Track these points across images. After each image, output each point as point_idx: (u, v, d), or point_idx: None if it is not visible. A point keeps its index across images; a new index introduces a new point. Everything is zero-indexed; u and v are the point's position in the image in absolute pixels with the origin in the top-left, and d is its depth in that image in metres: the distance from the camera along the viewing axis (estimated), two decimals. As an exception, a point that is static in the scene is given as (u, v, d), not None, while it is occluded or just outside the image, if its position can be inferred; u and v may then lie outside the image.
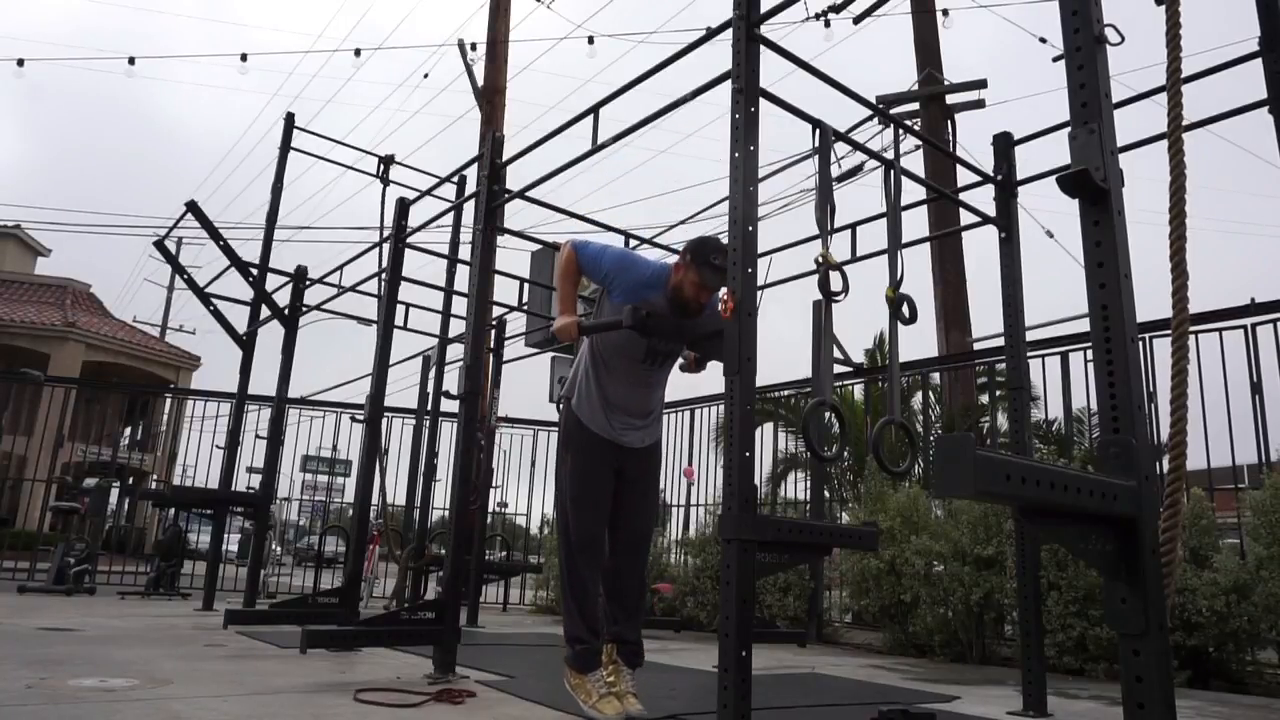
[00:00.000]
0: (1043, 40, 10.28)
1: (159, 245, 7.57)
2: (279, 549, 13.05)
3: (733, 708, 2.13)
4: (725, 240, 2.54)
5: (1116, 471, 1.62)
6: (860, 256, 4.20)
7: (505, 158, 4.05)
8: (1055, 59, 2.19)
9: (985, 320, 10.90)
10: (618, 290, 2.93)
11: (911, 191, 20.11)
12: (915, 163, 10.22)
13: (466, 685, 3.21)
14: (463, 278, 6.18)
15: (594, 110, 3.57)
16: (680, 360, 3.11)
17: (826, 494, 6.93)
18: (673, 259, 2.97)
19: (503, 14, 11.30)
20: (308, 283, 6.86)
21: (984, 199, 3.83)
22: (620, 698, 2.76)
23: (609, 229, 4.80)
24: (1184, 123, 1.91)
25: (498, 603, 8.92)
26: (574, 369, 3.13)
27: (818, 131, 2.94)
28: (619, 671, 2.87)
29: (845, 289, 2.71)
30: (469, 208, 4.99)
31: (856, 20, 10.30)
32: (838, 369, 3.21)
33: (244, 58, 13.20)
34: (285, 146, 7.36)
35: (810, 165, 10.02)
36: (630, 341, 2.92)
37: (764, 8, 2.67)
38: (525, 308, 6.60)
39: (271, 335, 7.07)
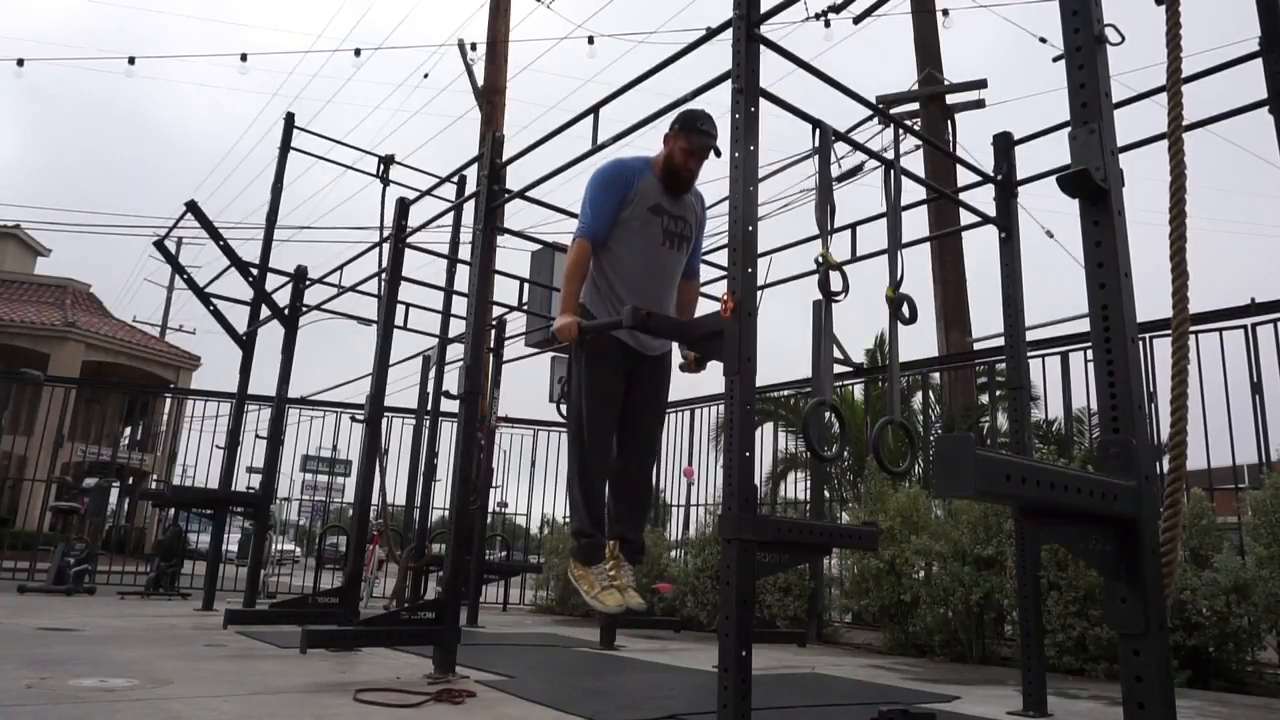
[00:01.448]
0: (1043, 40, 10.27)
1: (159, 245, 7.57)
2: (297, 549, 13.00)
3: (733, 708, 2.13)
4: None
5: (1116, 471, 1.62)
6: (860, 256, 4.20)
7: (505, 158, 4.05)
8: (1055, 59, 2.19)
9: (985, 320, 10.89)
10: (626, 204, 3.08)
11: (911, 191, 20.11)
12: (915, 163, 10.22)
13: (466, 685, 3.21)
14: (463, 278, 6.18)
15: (594, 110, 3.56)
16: (680, 360, 3.14)
17: (826, 494, 6.93)
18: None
19: (503, 14, 11.30)
20: (308, 283, 6.86)
21: (984, 199, 3.84)
22: (621, 591, 2.98)
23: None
24: (1184, 123, 1.90)
25: (498, 603, 8.92)
26: (584, 289, 3.20)
27: (818, 131, 2.94)
28: (620, 566, 3.06)
29: (845, 289, 2.73)
30: (469, 208, 4.98)
31: (856, 20, 10.31)
32: (838, 369, 3.21)
33: (244, 58, 13.20)
34: (285, 146, 7.35)
35: (810, 165, 10.03)
36: (645, 225, 3.09)
37: (764, 8, 2.67)
38: (525, 308, 6.59)
39: (271, 335, 7.08)
